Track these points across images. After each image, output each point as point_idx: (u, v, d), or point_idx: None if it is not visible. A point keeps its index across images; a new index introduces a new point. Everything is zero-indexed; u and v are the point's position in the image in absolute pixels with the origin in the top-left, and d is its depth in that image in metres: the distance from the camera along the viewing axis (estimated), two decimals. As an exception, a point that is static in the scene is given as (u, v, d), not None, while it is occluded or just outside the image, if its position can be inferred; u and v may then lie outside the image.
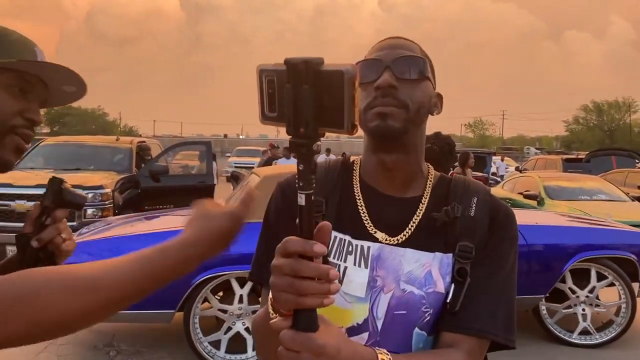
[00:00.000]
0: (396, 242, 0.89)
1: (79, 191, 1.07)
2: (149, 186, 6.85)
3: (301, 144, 0.59)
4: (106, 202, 5.83)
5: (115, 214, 5.96)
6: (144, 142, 8.28)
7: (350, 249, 0.89)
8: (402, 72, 0.88)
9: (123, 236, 3.74)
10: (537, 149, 53.13)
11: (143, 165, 7.24)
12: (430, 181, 0.95)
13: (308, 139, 0.58)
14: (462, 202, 0.91)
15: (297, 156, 0.60)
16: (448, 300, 0.86)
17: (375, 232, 0.90)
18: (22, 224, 0.98)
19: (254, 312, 3.62)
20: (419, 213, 0.91)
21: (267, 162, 11.59)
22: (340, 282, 0.86)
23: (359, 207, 0.92)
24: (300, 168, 0.60)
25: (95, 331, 4.18)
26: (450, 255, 0.89)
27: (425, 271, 0.88)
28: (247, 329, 3.61)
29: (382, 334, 0.86)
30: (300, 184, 0.61)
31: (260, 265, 0.95)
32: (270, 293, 0.67)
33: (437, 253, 0.89)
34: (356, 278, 0.87)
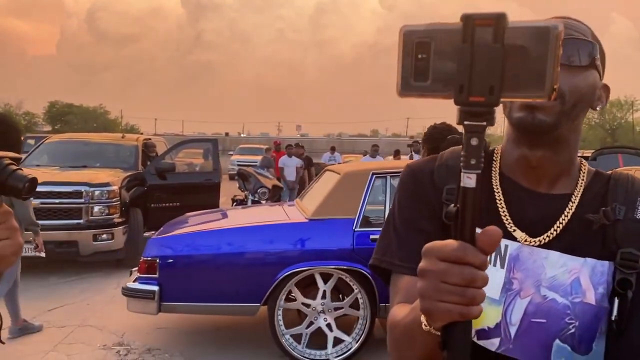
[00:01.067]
0: (538, 243, 0.79)
1: (25, 173, 0.74)
2: (156, 184, 6.81)
3: (482, 113, 0.51)
4: (113, 200, 5.78)
5: (121, 212, 5.92)
6: (150, 139, 8.23)
7: None
8: (567, 56, 0.77)
9: (200, 232, 3.79)
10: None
11: (149, 162, 7.20)
12: (583, 178, 0.84)
13: (490, 107, 0.51)
14: (625, 203, 0.80)
15: (469, 129, 0.51)
16: (613, 318, 0.75)
17: (515, 231, 0.80)
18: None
19: (336, 308, 3.64)
20: (568, 212, 0.80)
21: (266, 162, 11.50)
22: None
23: (497, 202, 0.83)
24: (474, 143, 0.52)
25: (106, 330, 4.14)
26: (607, 263, 0.78)
27: (572, 278, 0.78)
28: (328, 325, 3.62)
29: (515, 342, 0.78)
30: (472, 162, 0.52)
31: (391, 252, 0.85)
32: (421, 302, 0.57)
33: (588, 259, 0.78)
34: (491, 277, 0.76)
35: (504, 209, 0.82)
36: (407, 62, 0.53)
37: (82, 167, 6.73)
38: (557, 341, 0.77)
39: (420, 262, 0.56)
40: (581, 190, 0.83)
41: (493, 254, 0.80)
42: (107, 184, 5.82)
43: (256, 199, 7.97)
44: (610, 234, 0.78)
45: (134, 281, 3.64)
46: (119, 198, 5.87)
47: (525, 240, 0.80)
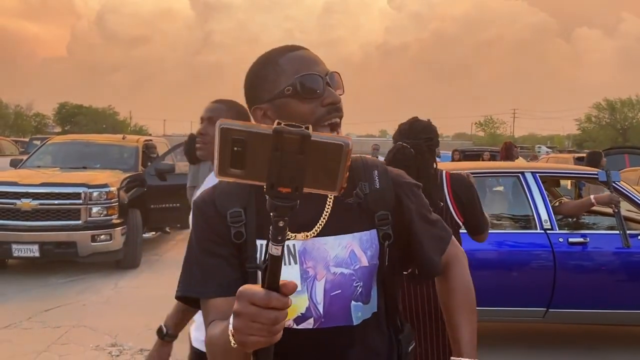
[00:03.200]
0: (314, 234, 0.97)
1: None
2: (155, 185, 6.83)
3: (286, 205, 0.64)
4: (111, 201, 5.81)
5: (120, 213, 5.94)
6: (150, 140, 8.26)
7: None
8: (336, 86, 0.98)
9: None
10: (548, 147, 52.63)
11: (149, 163, 7.23)
12: None
13: (293, 201, 0.64)
14: (366, 179, 1.01)
15: (277, 214, 0.64)
16: (386, 263, 0.99)
17: (295, 236, 0.96)
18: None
19: None
20: (329, 202, 0.98)
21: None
22: None
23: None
24: (281, 225, 0.65)
25: (100, 330, 4.16)
26: (368, 232, 0.99)
27: (348, 252, 0.98)
28: None
29: (325, 316, 0.96)
30: (279, 239, 0.65)
31: (196, 282, 0.98)
32: (232, 327, 0.73)
33: (356, 233, 0.98)
34: (289, 276, 0.93)
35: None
36: (224, 152, 0.64)
37: (83, 168, 6.77)
38: (352, 302, 0.98)
39: (235, 304, 0.70)
40: None
41: (285, 256, 0.95)
42: (105, 185, 5.84)
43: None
44: (365, 207, 0.99)
45: None
46: (117, 199, 5.89)
47: (305, 237, 0.96)
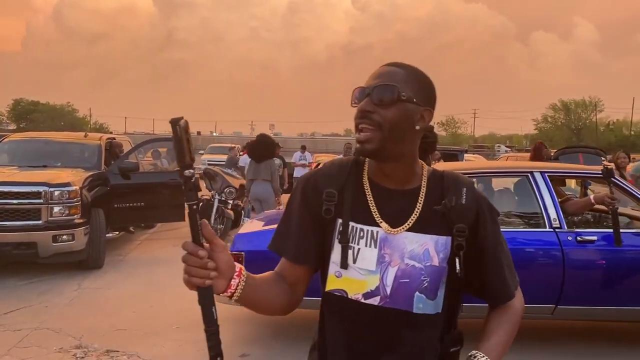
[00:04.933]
0: (401, 231, 1.13)
1: None
2: (119, 183, 6.70)
3: (189, 175, 0.94)
4: (74, 200, 5.67)
5: (83, 212, 5.81)
6: (114, 138, 8.09)
7: (361, 234, 1.13)
8: (378, 98, 1.09)
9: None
10: (507, 146, 54.11)
11: (112, 162, 7.08)
12: (425, 175, 1.18)
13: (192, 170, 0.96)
14: (455, 193, 1.14)
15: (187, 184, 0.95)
16: (458, 271, 1.12)
17: (381, 222, 1.13)
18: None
19: None
20: (419, 205, 1.14)
21: (233, 161, 11.39)
22: (355, 260, 1.13)
23: (369, 200, 1.15)
24: (190, 190, 0.96)
25: (63, 332, 4.07)
26: (444, 237, 1.13)
27: (423, 249, 1.12)
28: None
29: (391, 297, 1.11)
30: (193, 199, 0.96)
31: (281, 239, 1.21)
32: None
33: (434, 235, 1.12)
34: (368, 256, 1.12)
35: (374, 205, 1.14)
36: (182, 144, 0.93)
37: (43, 166, 6.57)
38: (417, 293, 1.11)
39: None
40: (425, 185, 1.17)
41: (367, 239, 1.13)
42: (67, 184, 5.69)
43: (223, 198, 7.93)
44: (448, 217, 1.13)
45: None
46: (79, 198, 5.75)
47: (388, 230, 1.13)
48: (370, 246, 1.12)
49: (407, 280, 1.10)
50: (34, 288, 5.26)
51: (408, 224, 1.12)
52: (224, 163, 13.36)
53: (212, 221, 7.71)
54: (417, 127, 1.11)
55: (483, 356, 1.07)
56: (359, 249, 1.12)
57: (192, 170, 0.92)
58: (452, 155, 10.84)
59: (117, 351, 3.77)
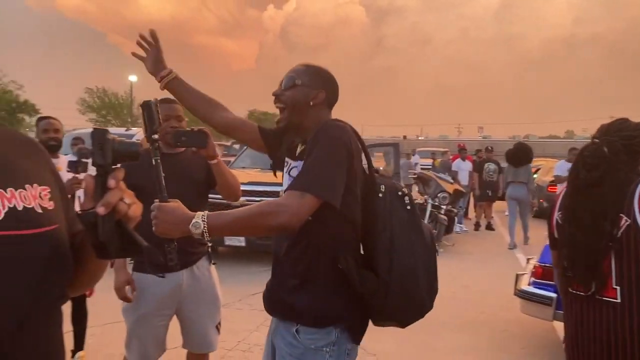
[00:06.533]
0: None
1: (128, 140, 0.90)
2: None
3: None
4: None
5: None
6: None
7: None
8: (284, 85, 1.65)
9: None
10: None
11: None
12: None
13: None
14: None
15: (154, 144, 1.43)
16: None
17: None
18: None
19: None
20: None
21: (447, 165, 11.13)
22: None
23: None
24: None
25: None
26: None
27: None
28: None
29: None
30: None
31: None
32: None
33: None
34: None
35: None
36: (154, 116, 1.45)
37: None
38: None
39: None
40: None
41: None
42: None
43: (436, 203, 7.91)
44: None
45: (528, 284, 3.94)
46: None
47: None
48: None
49: None
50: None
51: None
52: (429, 167, 13.30)
53: (425, 226, 7.75)
54: (311, 103, 1.61)
55: (204, 215, 1.38)
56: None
57: (157, 135, 1.41)
58: None
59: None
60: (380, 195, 1.57)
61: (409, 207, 1.58)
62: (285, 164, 1.69)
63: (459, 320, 4.68)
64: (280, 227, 1.39)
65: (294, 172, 1.60)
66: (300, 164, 1.54)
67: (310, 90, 1.60)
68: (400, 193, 1.59)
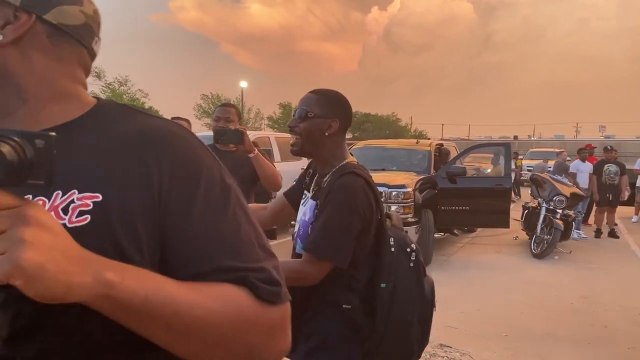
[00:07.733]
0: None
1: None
2: (446, 187, 7.04)
3: None
4: (407, 200, 6.24)
5: (415, 212, 6.33)
6: (442, 144, 8.54)
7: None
8: (299, 116, 1.64)
9: None
10: None
11: (441, 166, 7.49)
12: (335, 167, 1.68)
13: None
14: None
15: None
16: None
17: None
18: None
19: None
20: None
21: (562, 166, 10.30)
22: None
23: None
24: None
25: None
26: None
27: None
28: None
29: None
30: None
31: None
32: None
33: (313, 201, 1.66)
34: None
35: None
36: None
37: (381, 169, 7.46)
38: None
39: None
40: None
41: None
42: (402, 186, 6.31)
43: (551, 207, 7.37)
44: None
45: None
46: (412, 199, 6.30)
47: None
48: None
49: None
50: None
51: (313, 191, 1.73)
52: (532, 168, 12.47)
53: (539, 231, 7.27)
54: (326, 134, 1.62)
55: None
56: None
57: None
58: None
59: (450, 347, 3.95)
60: (392, 249, 1.63)
61: (412, 265, 1.64)
62: (304, 195, 1.77)
63: (578, 334, 4.31)
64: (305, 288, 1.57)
65: (307, 207, 1.68)
66: (313, 204, 1.64)
67: (324, 121, 1.62)
68: (408, 250, 1.65)
